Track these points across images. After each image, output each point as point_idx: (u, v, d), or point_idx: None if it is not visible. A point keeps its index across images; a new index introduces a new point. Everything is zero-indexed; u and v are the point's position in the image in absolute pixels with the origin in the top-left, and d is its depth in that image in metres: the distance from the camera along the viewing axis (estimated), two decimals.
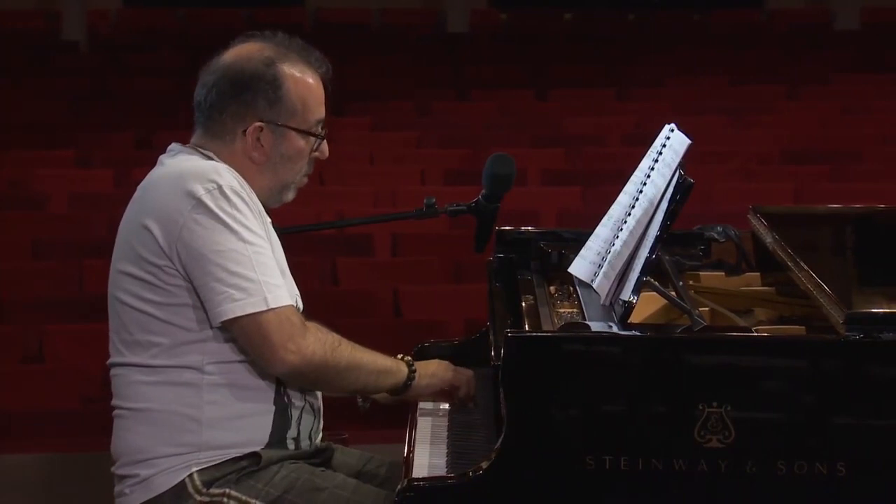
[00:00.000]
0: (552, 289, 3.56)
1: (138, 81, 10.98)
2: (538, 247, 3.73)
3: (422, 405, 3.37)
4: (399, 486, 2.83)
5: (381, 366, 3.10)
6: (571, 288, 3.43)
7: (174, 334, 2.94)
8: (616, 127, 10.10)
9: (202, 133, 3.08)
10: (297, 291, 3.08)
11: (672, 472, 2.75)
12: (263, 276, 2.90)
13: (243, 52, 3.07)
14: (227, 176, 2.95)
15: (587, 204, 8.24)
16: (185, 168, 2.98)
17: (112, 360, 3.04)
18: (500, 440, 2.79)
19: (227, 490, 2.94)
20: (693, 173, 3.06)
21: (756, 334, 2.95)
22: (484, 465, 2.79)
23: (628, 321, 2.96)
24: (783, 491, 2.75)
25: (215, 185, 2.92)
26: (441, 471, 3.00)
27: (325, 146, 3.14)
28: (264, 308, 2.89)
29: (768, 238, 3.60)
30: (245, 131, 3.04)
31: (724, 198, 8.15)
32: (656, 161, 3.17)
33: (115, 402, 3.04)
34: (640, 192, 3.17)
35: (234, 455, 2.96)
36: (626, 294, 2.98)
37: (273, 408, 3.00)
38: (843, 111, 10.61)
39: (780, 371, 2.79)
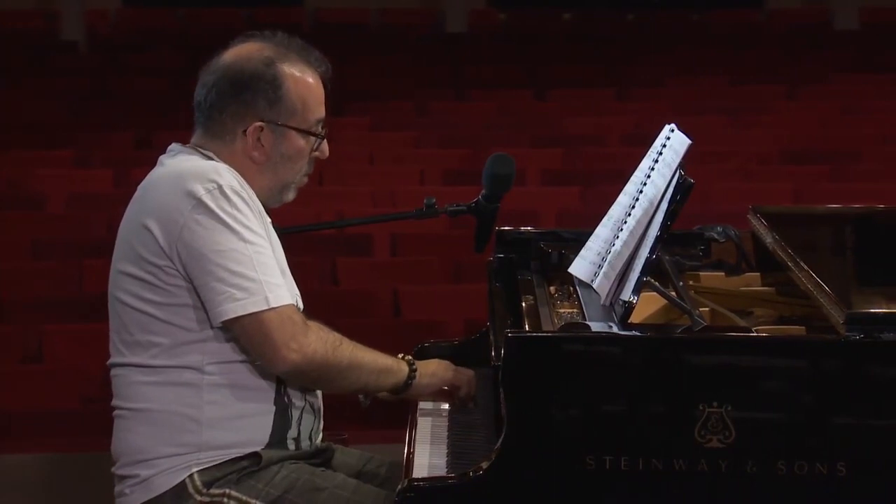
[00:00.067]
0: (552, 289, 3.56)
1: (137, 81, 10.97)
2: (538, 247, 3.73)
3: (422, 405, 3.37)
4: (399, 486, 2.83)
5: (382, 365, 3.10)
6: (571, 288, 3.43)
7: (174, 334, 2.94)
8: (615, 127, 10.10)
9: (202, 133, 3.08)
10: (297, 291, 3.08)
11: (672, 472, 2.75)
12: (264, 276, 2.90)
13: (243, 51, 3.08)
14: (227, 176, 2.95)
15: (586, 204, 8.23)
16: (185, 168, 2.98)
17: (112, 360, 3.04)
18: (500, 440, 2.79)
19: (228, 490, 2.94)
20: (693, 173, 3.06)
21: (756, 334, 2.95)
22: (484, 465, 2.79)
23: (628, 321, 2.97)
24: (783, 491, 2.75)
25: (215, 185, 2.92)
26: (441, 471, 3.00)
27: (325, 146, 3.14)
28: (265, 307, 2.89)
29: (768, 238, 3.60)
30: (245, 131, 3.04)
31: (724, 198, 8.15)
32: (656, 161, 3.17)
33: (115, 402, 3.04)
34: (641, 192, 3.17)
35: (235, 455, 2.96)
36: (627, 294, 2.98)
37: (273, 408, 3.00)
38: (842, 111, 10.61)
39: (780, 371, 2.79)
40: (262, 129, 3.04)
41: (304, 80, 3.07)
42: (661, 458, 2.75)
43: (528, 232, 3.78)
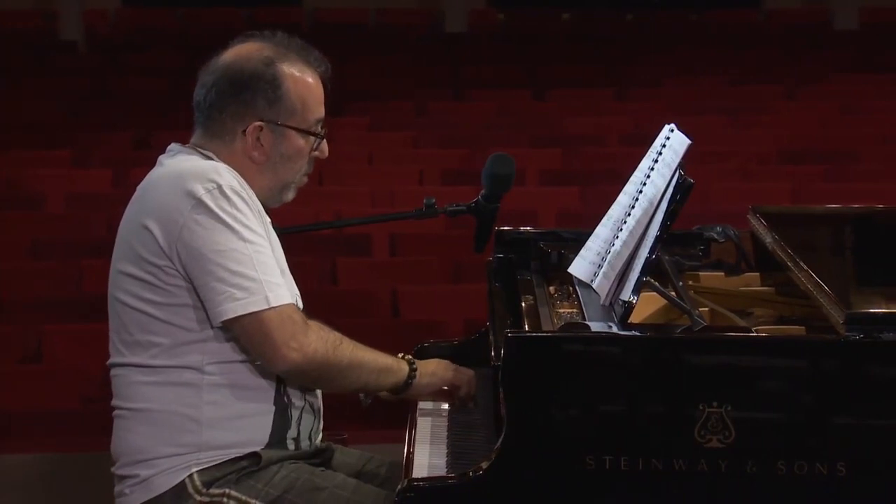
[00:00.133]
0: (552, 289, 3.56)
1: (137, 81, 10.97)
2: (538, 247, 3.73)
3: (422, 405, 3.37)
4: (399, 486, 2.83)
5: (382, 364, 3.10)
6: (571, 288, 3.43)
7: (174, 334, 2.94)
8: (614, 127, 10.10)
9: (202, 133, 3.08)
10: (297, 291, 3.08)
11: (672, 472, 2.75)
12: (264, 275, 2.90)
13: (242, 51, 3.07)
14: (226, 175, 2.95)
15: (586, 204, 8.23)
16: (184, 168, 2.98)
17: (112, 360, 3.04)
18: (500, 440, 2.79)
19: (227, 490, 2.94)
20: (692, 173, 3.05)
21: (756, 334, 2.95)
22: (484, 465, 2.79)
23: (628, 321, 2.96)
24: (783, 491, 2.75)
25: (215, 185, 2.92)
26: (441, 471, 3.00)
27: (324, 145, 3.14)
28: (266, 306, 2.89)
29: (768, 238, 3.60)
30: (245, 131, 3.04)
31: (723, 198, 8.15)
32: (656, 161, 3.17)
33: (115, 402, 3.04)
34: (640, 192, 3.17)
35: (234, 455, 2.96)
36: (626, 294, 2.98)
37: (273, 408, 3.00)
38: (841, 111, 10.62)
39: (780, 371, 2.78)
40: (261, 128, 3.04)
41: (303, 79, 3.07)
42: (660, 458, 2.75)
43: (528, 232, 3.78)
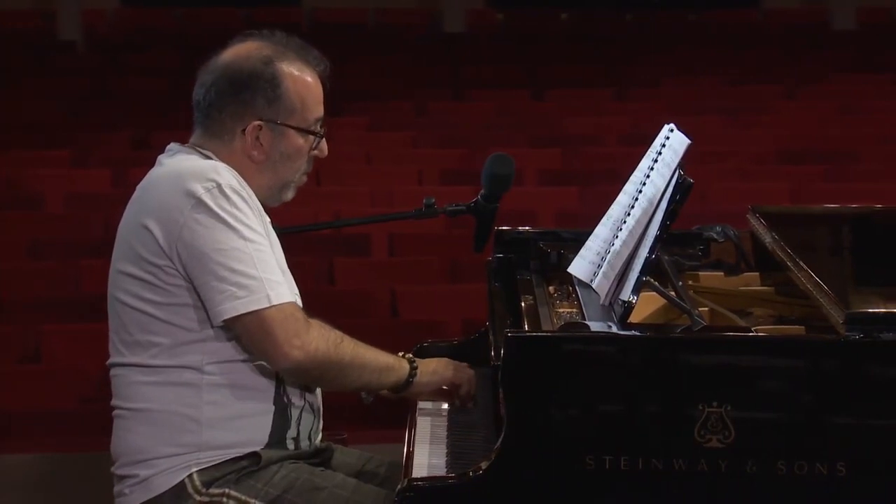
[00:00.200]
0: (551, 289, 3.56)
1: (135, 81, 10.97)
2: (537, 247, 3.73)
3: (421, 405, 3.37)
4: (399, 486, 2.83)
5: (383, 363, 3.10)
6: (571, 288, 3.43)
7: (174, 334, 2.94)
8: (614, 127, 10.10)
9: (201, 132, 3.08)
10: (297, 290, 3.08)
11: (672, 472, 2.75)
12: (265, 274, 2.90)
13: (242, 50, 3.07)
14: (226, 175, 2.95)
15: (585, 204, 8.23)
16: (184, 167, 2.98)
17: (112, 360, 3.04)
18: (499, 440, 2.79)
19: (227, 490, 2.94)
20: (692, 173, 3.06)
21: (756, 334, 2.95)
22: (484, 465, 2.79)
23: (628, 321, 2.96)
24: (783, 491, 2.75)
25: (215, 184, 2.91)
26: (441, 471, 3.00)
27: (324, 144, 3.14)
28: (267, 305, 2.88)
29: (767, 238, 3.60)
30: (244, 130, 3.04)
31: (723, 198, 8.15)
32: (656, 161, 3.17)
33: (114, 402, 3.04)
34: (640, 191, 3.17)
35: (234, 455, 2.96)
36: (626, 294, 2.98)
37: (273, 408, 3.00)
38: (840, 111, 10.62)
39: (779, 371, 2.78)
40: (260, 127, 3.04)
41: (302, 78, 3.07)
42: (660, 458, 2.75)
43: (527, 232, 3.78)
